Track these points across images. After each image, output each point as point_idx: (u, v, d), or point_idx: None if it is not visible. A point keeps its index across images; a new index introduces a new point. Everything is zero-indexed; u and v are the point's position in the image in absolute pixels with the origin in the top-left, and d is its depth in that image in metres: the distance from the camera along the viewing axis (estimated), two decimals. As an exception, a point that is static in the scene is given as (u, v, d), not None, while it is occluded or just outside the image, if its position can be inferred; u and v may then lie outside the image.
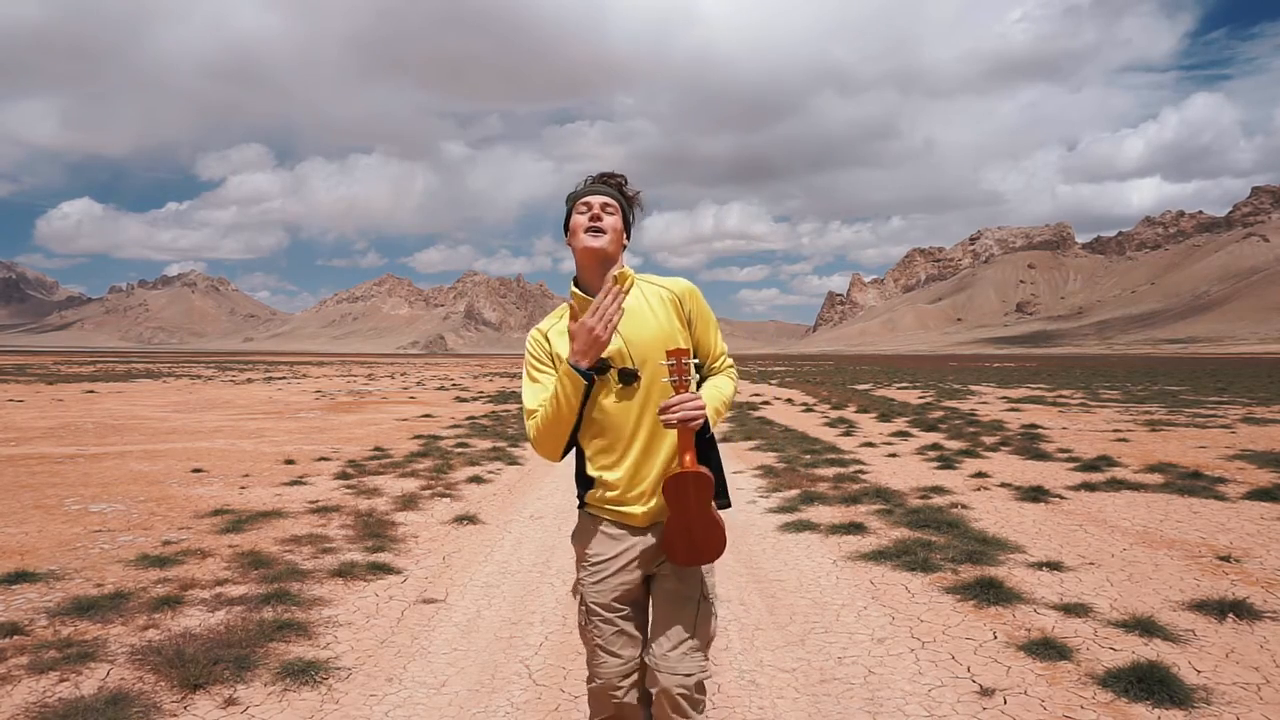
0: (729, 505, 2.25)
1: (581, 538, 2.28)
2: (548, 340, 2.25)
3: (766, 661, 3.90)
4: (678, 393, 2.02)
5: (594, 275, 2.20)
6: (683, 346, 2.09)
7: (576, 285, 2.25)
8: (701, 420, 2.03)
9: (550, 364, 2.23)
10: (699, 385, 2.26)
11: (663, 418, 2.02)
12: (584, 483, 2.27)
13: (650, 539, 2.21)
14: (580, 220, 2.19)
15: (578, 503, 2.29)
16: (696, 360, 2.24)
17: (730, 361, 2.36)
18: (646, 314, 2.19)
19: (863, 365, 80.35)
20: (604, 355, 2.11)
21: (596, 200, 2.20)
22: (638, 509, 2.18)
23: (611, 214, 2.20)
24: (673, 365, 2.02)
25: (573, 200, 2.24)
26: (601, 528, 2.23)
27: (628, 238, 2.26)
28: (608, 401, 2.16)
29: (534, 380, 2.25)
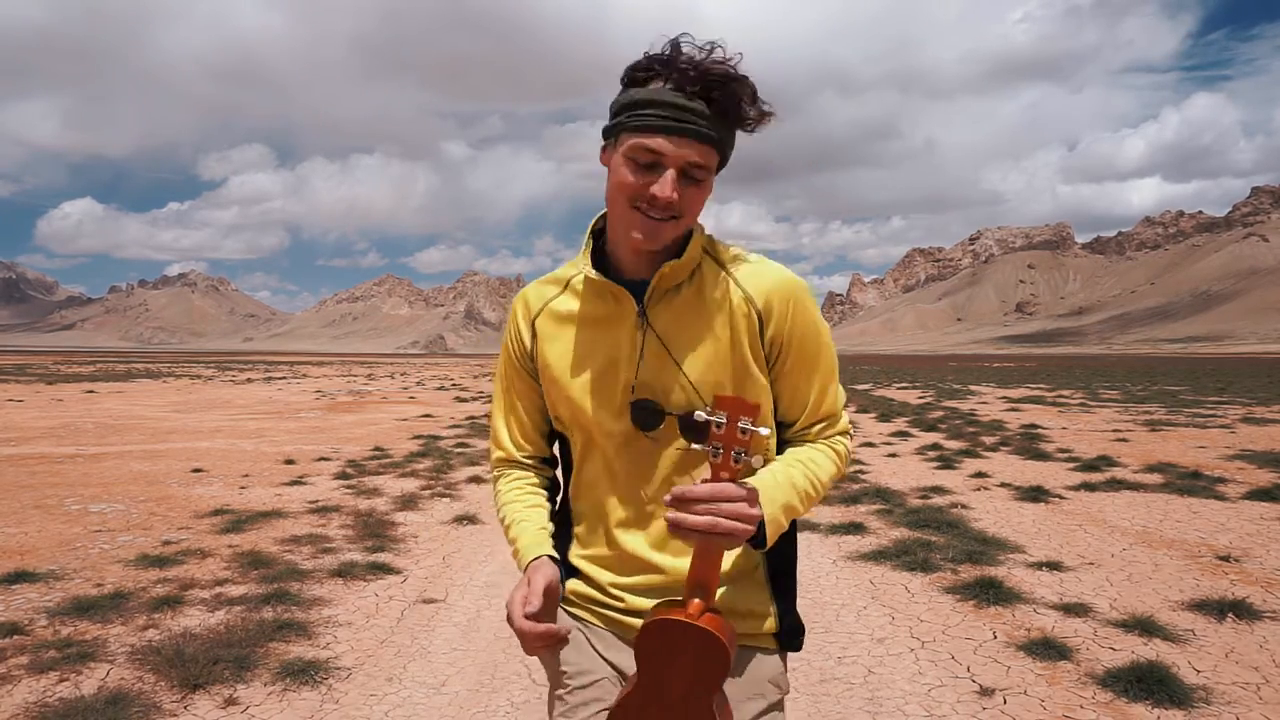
0: (797, 648, 1.43)
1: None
2: (533, 329, 1.40)
3: (766, 661, 3.90)
4: (715, 476, 1.15)
5: (636, 259, 1.32)
6: (745, 397, 1.17)
7: (596, 245, 1.37)
8: (745, 536, 1.16)
9: (530, 374, 1.43)
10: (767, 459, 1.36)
11: (669, 516, 1.14)
12: (564, 551, 1.44)
13: None
14: (631, 182, 1.21)
15: (548, 550, 1.38)
16: (778, 419, 1.38)
17: (845, 424, 1.41)
18: (700, 327, 1.30)
19: (862, 365, 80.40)
20: (640, 395, 1.34)
21: (681, 153, 1.19)
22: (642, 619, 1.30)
23: (700, 179, 1.22)
24: (718, 425, 1.13)
25: (630, 117, 1.21)
26: (585, 631, 1.41)
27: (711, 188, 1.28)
28: (613, 455, 1.36)
29: (505, 399, 1.48)
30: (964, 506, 7.54)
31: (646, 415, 1.31)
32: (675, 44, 1.20)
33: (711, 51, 1.18)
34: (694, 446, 1.18)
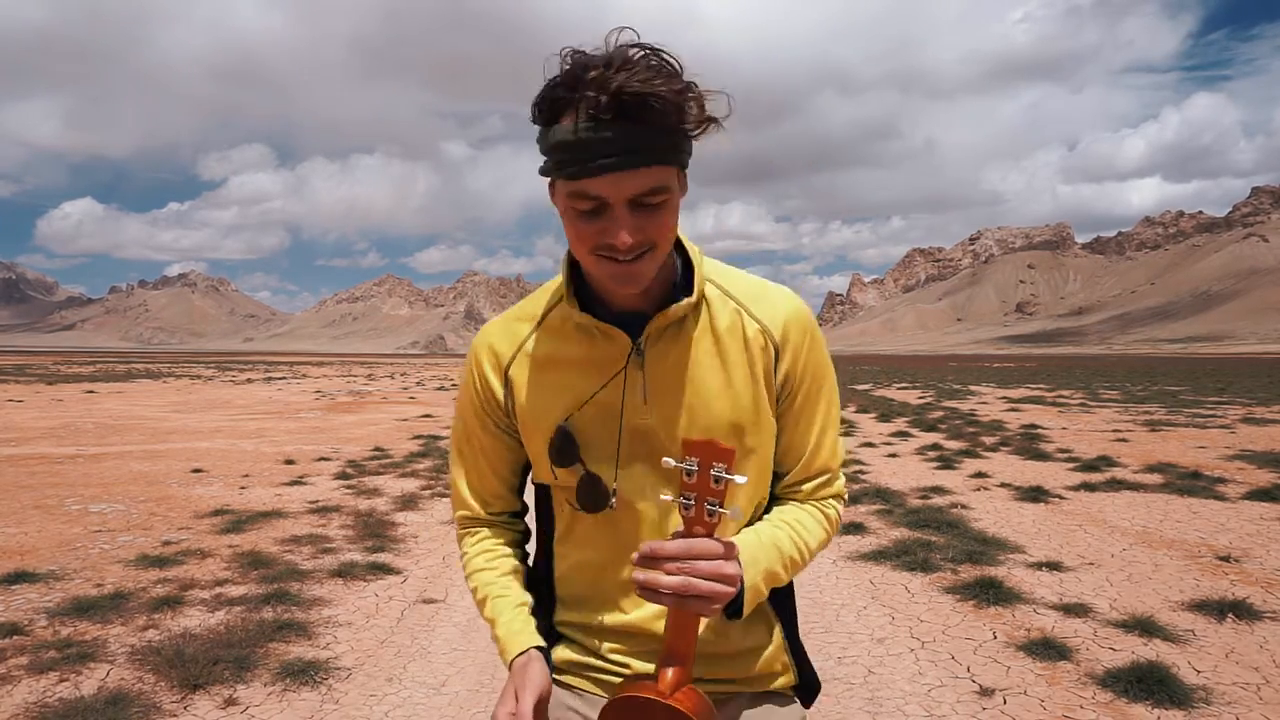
0: (810, 705, 1.30)
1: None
2: (506, 379, 1.20)
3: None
4: (688, 530, 1.01)
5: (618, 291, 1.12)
6: (735, 443, 1.09)
7: (573, 278, 1.17)
8: (724, 599, 1.02)
9: (503, 429, 1.24)
10: (754, 518, 1.21)
11: (637, 577, 1.00)
12: (548, 615, 1.27)
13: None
14: (585, 231, 1.03)
15: (533, 638, 1.18)
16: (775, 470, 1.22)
17: (840, 486, 1.26)
18: (713, 368, 1.15)
19: (862, 365, 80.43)
20: (636, 443, 1.17)
21: (623, 188, 0.99)
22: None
23: (659, 203, 1.02)
24: (689, 473, 1.00)
25: (552, 164, 1.03)
26: (567, 700, 1.24)
27: (683, 189, 1.08)
28: (638, 520, 1.17)
29: (468, 454, 1.28)
30: (964, 506, 7.54)
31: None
32: (577, 61, 0.98)
33: (625, 62, 0.95)
34: (663, 498, 1.05)
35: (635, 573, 1.01)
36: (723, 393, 1.14)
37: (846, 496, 1.29)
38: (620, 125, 0.96)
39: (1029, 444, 12.34)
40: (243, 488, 8.66)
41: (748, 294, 1.19)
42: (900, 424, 16.06)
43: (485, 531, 1.30)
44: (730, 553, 1.03)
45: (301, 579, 5.15)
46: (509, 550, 1.29)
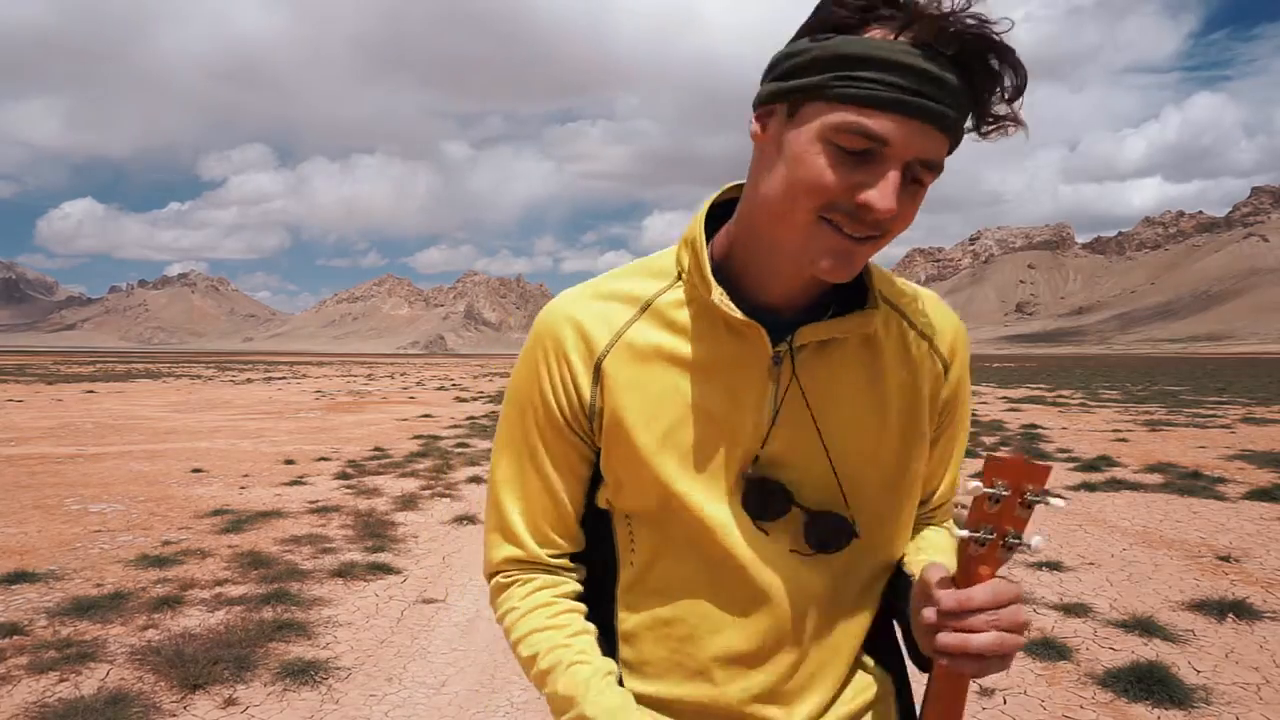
0: None
1: None
2: (599, 373, 0.92)
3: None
4: (972, 573, 0.81)
5: (785, 281, 0.90)
6: (888, 484, 0.95)
7: (706, 245, 0.92)
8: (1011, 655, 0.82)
9: (581, 436, 0.95)
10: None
11: (947, 641, 0.79)
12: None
13: None
14: (831, 181, 0.78)
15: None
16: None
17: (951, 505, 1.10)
18: (871, 390, 0.93)
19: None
20: (762, 471, 0.91)
21: (915, 144, 0.76)
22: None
23: (925, 184, 0.81)
24: (995, 499, 0.81)
25: (839, 79, 0.76)
26: None
27: None
28: (708, 554, 0.92)
29: (528, 472, 0.97)
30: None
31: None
32: None
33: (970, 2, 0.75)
34: (959, 532, 0.81)
35: (943, 636, 0.79)
36: (876, 423, 0.92)
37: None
38: (953, 70, 0.75)
39: (1029, 444, 12.35)
40: (242, 488, 8.66)
41: (912, 304, 0.97)
42: (900, 424, 16.05)
43: (540, 579, 0.98)
44: (1016, 600, 0.81)
45: (301, 579, 5.15)
46: (574, 605, 0.98)
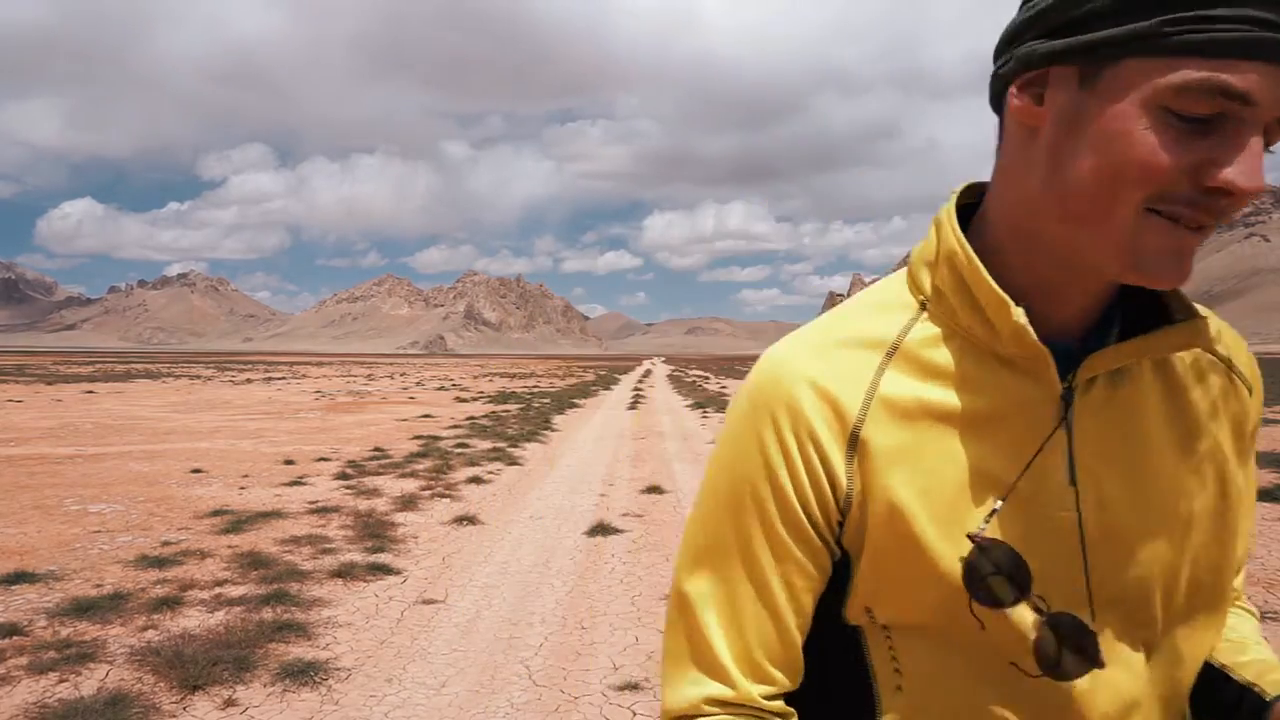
0: None
1: None
2: (857, 447, 0.67)
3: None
4: None
5: (1067, 301, 0.68)
6: (1214, 542, 0.74)
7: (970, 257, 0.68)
8: None
9: (822, 534, 0.69)
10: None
11: None
12: None
13: None
14: (1165, 161, 0.57)
15: None
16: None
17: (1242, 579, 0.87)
18: (1173, 430, 0.70)
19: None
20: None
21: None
22: None
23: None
24: None
25: (1173, 25, 0.55)
26: None
27: None
28: (1083, 690, 0.65)
29: (746, 583, 0.70)
30: None
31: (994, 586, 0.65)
32: None
33: None
34: None
35: None
36: (1189, 470, 0.70)
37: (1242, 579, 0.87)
38: None
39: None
40: (242, 488, 8.66)
41: (1201, 329, 0.69)
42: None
43: None
44: None
45: (301, 579, 5.15)
46: None
